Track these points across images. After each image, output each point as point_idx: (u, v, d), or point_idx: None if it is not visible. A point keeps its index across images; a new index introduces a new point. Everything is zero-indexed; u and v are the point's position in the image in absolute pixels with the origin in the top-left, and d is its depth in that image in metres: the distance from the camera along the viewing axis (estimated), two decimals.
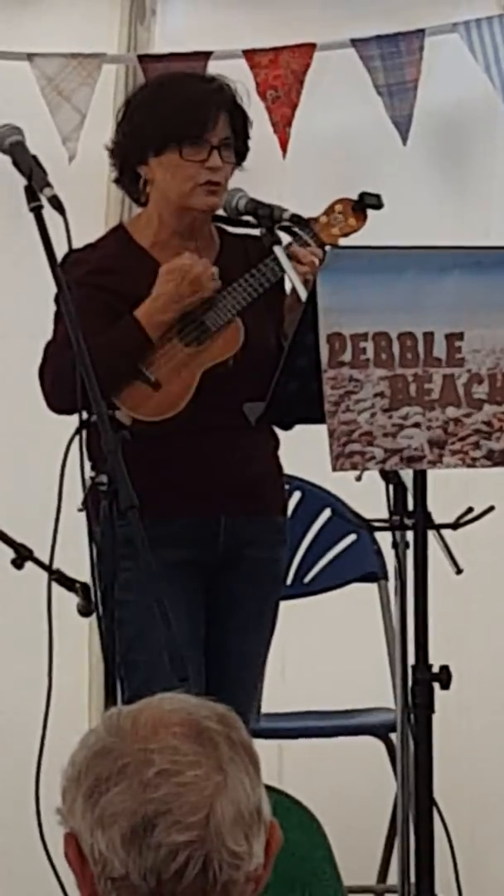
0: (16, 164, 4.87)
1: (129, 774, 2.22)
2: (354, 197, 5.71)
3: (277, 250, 5.41)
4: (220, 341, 5.60)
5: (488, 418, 5.02)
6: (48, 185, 4.80)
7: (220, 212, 5.83)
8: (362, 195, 5.62)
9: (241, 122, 5.64)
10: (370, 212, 5.75)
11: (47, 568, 4.82)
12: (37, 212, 4.84)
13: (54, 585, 4.74)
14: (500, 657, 6.06)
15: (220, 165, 5.52)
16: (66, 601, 4.76)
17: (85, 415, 4.98)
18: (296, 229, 5.42)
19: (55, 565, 4.80)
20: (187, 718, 2.25)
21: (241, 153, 5.64)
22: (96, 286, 5.57)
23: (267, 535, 5.57)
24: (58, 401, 5.35)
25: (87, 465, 4.94)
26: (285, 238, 5.56)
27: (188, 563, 5.33)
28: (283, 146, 6.60)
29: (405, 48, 6.76)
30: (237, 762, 2.21)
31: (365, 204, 5.66)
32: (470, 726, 6.03)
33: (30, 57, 6.59)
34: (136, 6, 6.83)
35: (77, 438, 4.96)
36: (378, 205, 5.65)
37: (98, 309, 5.47)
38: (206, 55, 6.57)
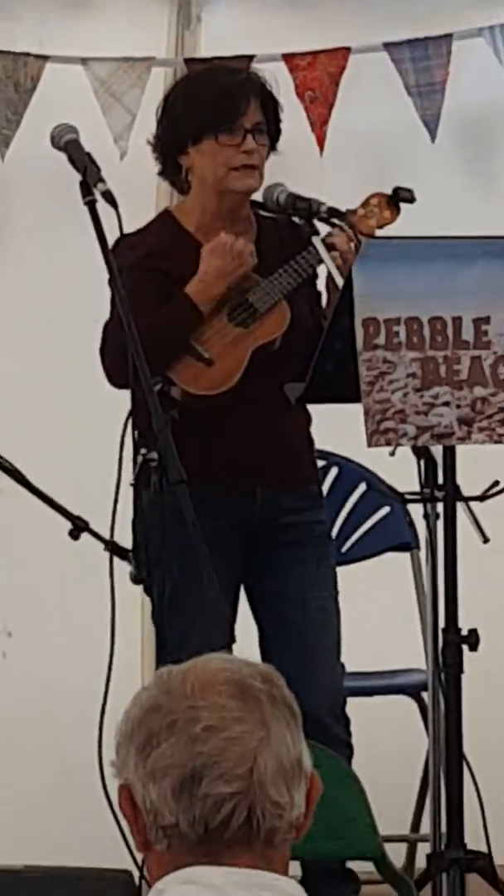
0: (71, 160, 4.86)
1: (178, 730, 2.26)
2: (389, 191, 5.65)
3: (316, 241, 5.41)
4: (269, 322, 5.56)
5: None
6: (101, 180, 4.79)
7: (258, 196, 5.70)
8: (396, 189, 5.61)
9: (272, 107, 5.61)
10: (403, 205, 5.70)
11: (102, 539, 4.80)
12: (91, 205, 4.81)
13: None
14: None
15: (255, 147, 5.48)
16: (118, 570, 4.73)
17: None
18: (335, 220, 5.36)
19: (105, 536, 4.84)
20: (232, 677, 2.28)
21: (274, 137, 5.61)
22: (149, 268, 5.55)
23: (302, 503, 5.50)
24: (118, 377, 5.32)
25: (131, 442, 4.91)
26: (324, 229, 5.48)
27: (226, 528, 5.23)
28: (321, 143, 6.61)
29: (434, 52, 6.78)
30: (279, 718, 2.25)
31: (399, 198, 5.65)
32: (498, 686, 6.04)
33: (84, 61, 6.61)
34: (182, 13, 6.86)
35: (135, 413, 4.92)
36: (411, 199, 5.64)
37: (151, 290, 5.45)
38: (248, 58, 6.55)
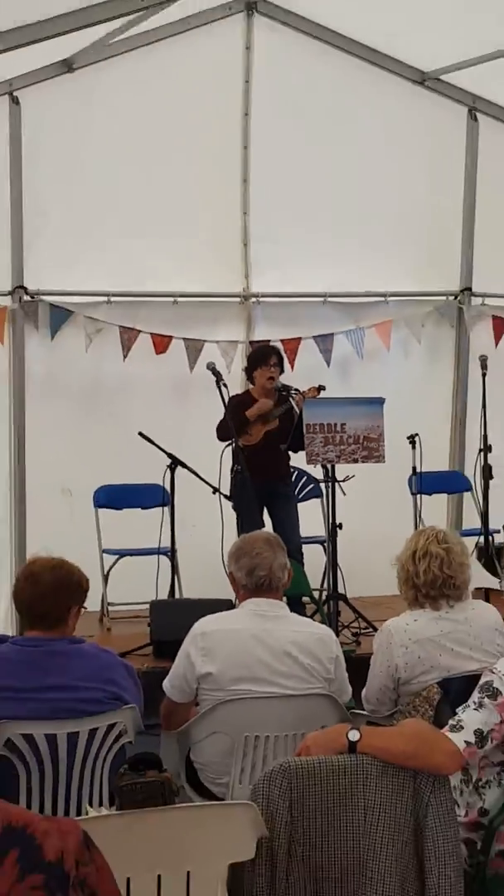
0: (213, 373, 4.85)
1: (246, 554, 2.79)
2: (317, 385, 5.39)
3: (290, 399, 5.21)
4: (272, 423, 5.30)
5: (353, 448, 4.98)
6: (222, 378, 4.83)
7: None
8: (320, 385, 5.37)
9: (280, 358, 5.38)
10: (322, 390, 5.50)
11: (222, 493, 4.85)
12: (219, 386, 4.78)
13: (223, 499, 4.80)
14: (359, 518, 5.44)
15: (274, 372, 5.25)
16: (226, 505, 4.79)
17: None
18: (298, 393, 5.26)
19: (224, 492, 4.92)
20: (264, 537, 2.95)
21: (282, 367, 5.38)
22: (237, 407, 5.15)
23: (286, 485, 5.42)
24: (221, 437, 5.12)
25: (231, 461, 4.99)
26: (295, 393, 5.29)
27: (259, 492, 5.07)
28: (292, 365, 5.96)
29: (328, 340, 6.23)
30: (280, 551, 2.82)
31: (320, 388, 5.34)
32: (351, 540, 5.37)
33: (217, 342, 6.05)
34: (249, 331, 6.25)
35: (227, 450, 4.97)
36: (325, 388, 5.38)
37: (238, 413, 5.13)
38: (268, 341, 6.01)
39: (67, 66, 4.97)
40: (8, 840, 1.10)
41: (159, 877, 1.76)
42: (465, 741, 1.97)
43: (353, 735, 1.93)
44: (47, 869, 1.11)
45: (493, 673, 2.05)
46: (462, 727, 1.99)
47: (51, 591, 2.48)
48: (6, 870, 1.09)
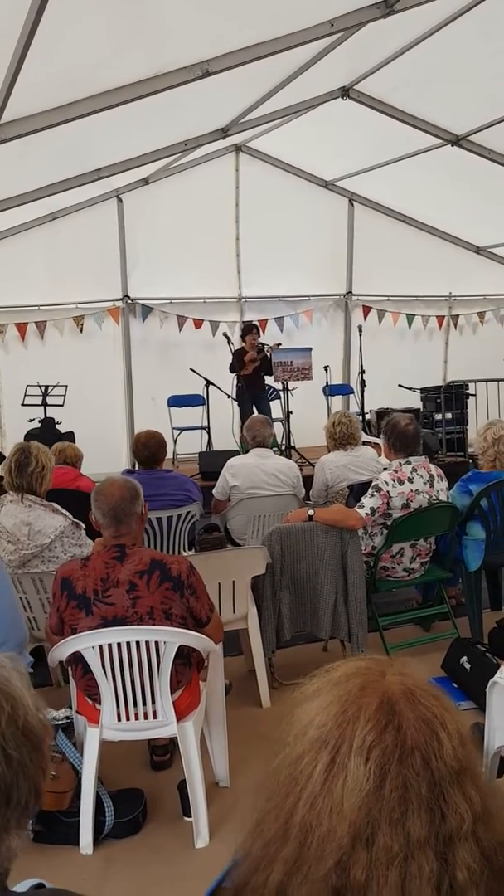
0: (225, 338, 5.46)
1: (251, 428, 2.48)
2: (276, 342, 6.04)
3: (265, 350, 5.93)
4: (256, 363, 5.87)
5: (296, 373, 5.44)
6: (230, 341, 5.35)
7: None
8: (277, 343, 5.98)
9: (258, 329, 5.68)
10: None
11: (231, 397, 5.34)
12: (228, 346, 5.61)
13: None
14: (299, 408, 6.31)
15: (255, 337, 5.67)
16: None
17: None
18: (269, 347, 5.83)
19: None
20: (261, 419, 2.57)
21: (259, 334, 5.80)
22: (238, 355, 5.86)
23: (264, 392, 5.86)
24: (231, 371, 5.32)
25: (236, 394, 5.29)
26: (266, 346, 6.14)
27: (250, 396, 5.53)
28: (263, 333, 6.81)
29: (278, 319, 7.11)
30: (269, 426, 2.50)
31: (277, 344, 5.89)
32: (295, 418, 6.24)
33: (226, 322, 6.81)
34: (241, 315, 7.17)
35: (234, 377, 5.54)
36: (280, 344, 5.88)
37: (239, 357, 5.57)
38: (252, 321, 6.88)
39: (145, 181, 6.78)
40: (153, 566, 1.71)
41: (219, 583, 2.39)
42: (365, 513, 2.70)
43: (310, 512, 2.48)
44: (173, 580, 1.69)
45: (377, 479, 2.84)
46: (363, 506, 2.73)
47: (153, 445, 3.16)
48: (153, 581, 1.67)
